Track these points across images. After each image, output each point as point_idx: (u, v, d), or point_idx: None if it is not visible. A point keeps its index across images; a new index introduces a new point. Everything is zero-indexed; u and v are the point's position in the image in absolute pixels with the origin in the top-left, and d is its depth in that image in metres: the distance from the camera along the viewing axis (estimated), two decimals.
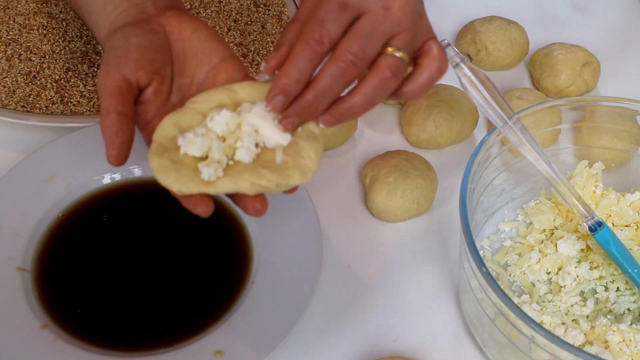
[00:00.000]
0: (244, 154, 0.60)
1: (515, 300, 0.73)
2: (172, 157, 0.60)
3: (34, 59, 0.91)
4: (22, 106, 0.86)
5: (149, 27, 0.67)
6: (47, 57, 0.91)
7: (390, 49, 0.59)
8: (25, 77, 0.89)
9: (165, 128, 0.63)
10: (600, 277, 0.75)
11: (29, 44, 0.92)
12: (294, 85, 0.59)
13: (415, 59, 0.62)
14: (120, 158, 0.62)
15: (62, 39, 0.93)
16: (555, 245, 0.77)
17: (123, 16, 0.69)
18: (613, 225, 0.78)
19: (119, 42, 0.66)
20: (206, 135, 0.61)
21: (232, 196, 0.62)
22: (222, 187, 0.59)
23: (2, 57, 0.90)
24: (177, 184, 0.59)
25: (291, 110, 0.59)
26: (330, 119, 0.61)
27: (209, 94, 0.64)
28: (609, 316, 0.72)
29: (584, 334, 0.70)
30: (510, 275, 0.77)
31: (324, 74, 0.58)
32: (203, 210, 0.59)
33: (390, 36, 0.59)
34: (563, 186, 0.72)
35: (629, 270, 0.72)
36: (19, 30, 0.93)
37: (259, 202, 0.61)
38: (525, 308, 0.72)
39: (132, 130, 0.63)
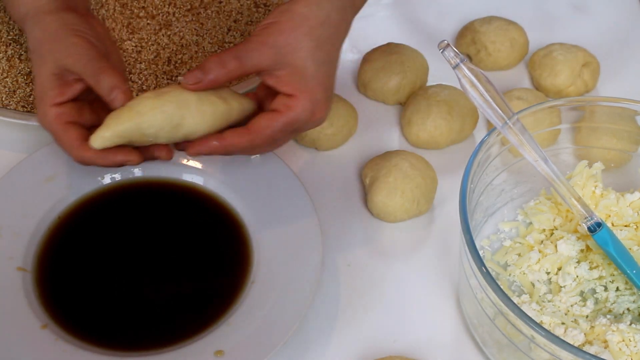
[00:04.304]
0: None
1: (515, 300, 0.73)
2: None
3: None
4: (23, 106, 0.86)
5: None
6: None
7: None
8: (25, 77, 0.89)
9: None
10: (600, 277, 0.75)
11: (29, 44, 0.92)
12: (208, 154, 0.69)
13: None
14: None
15: None
16: (555, 246, 0.77)
17: None
18: (613, 225, 0.78)
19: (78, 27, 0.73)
20: None
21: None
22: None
23: (3, 58, 0.90)
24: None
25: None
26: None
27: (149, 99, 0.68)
28: (608, 316, 0.72)
29: (584, 333, 0.70)
30: (510, 275, 0.77)
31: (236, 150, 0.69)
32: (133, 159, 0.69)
33: None
34: (562, 186, 0.72)
35: (628, 271, 0.72)
36: (20, 30, 0.93)
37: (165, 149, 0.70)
38: (525, 308, 0.72)
39: None
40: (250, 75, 0.71)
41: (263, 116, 0.68)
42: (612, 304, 0.74)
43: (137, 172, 0.81)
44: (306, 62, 0.67)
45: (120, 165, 0.69)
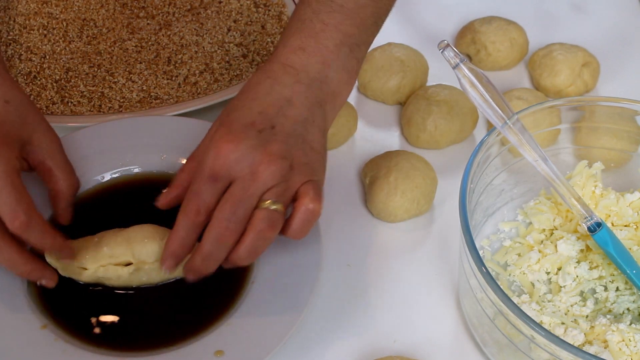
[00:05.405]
0: None
1: (515, 300, 0.73)
2: None
3: (34, 59, 0.91)
4: None
5: None
6: (47, 57, 0.92)
7: (264, 203, 0.64)
8: (25, 78, 0.90)
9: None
10: (600, 277, 0.75)
11: (29, 44, 0.92)
12: (180, 250, 0.67)
13: (293, 202, 0.67)
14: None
15: (63, 39, 0.93)
16: (555, 246, 0.77)
17: None
18: (612, 225, 0.78)
19: None
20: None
21: None
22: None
23: (3, 57, 0.90)
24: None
25: (189, 268, 0.68)
26: (224, 265, 0.68)
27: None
28: (608, 316, 0.72)
29: (584, 333, 0.70)
30: (509, 275, 0.77)
31: (206, 241, 0.65)
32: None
33: (262, 194, 0.65)
34: (562, 186, 0.72)
35: (628, 271, 0.72)
36: (19, 30, 0.93)
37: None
38: (524, 308, 0.72)
39: None
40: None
41: None
42: (612, 304, 0.74)
43: (136, 169, 0.81)
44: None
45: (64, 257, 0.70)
